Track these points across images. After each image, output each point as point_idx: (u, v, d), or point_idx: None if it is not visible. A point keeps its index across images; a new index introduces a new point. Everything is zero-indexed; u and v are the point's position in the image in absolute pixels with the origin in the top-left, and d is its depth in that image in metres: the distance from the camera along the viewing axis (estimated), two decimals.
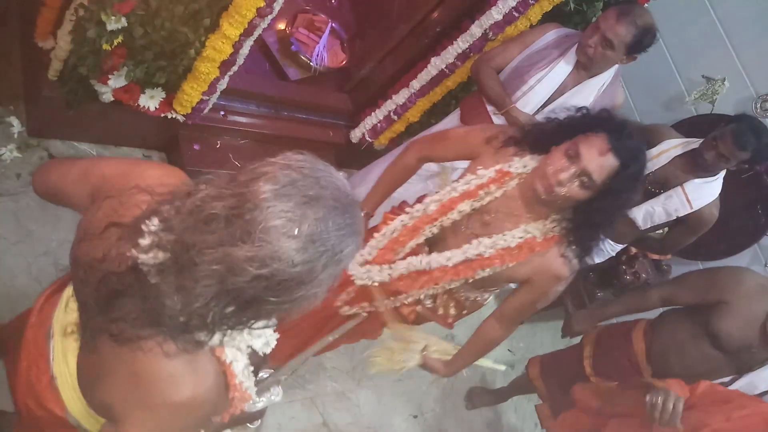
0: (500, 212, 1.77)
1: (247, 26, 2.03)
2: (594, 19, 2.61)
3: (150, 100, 2.23)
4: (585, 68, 2.38)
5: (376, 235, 1.96)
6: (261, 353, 1.17)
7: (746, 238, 3.30)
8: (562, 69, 2.40)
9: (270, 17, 2.04)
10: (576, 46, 2.36)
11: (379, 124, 3.01)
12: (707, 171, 2.70)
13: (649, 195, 2.84)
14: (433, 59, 2.74)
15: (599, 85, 2.42)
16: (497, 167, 1.75)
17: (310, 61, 3.01)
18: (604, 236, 1.74)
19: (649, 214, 2.84)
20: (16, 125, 2.27)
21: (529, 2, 2.45)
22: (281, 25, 3.04)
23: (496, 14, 2.51)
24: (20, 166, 2.31)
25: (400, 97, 2.89)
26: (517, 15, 2.50)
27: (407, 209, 1.92)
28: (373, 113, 3.00)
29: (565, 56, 2.39)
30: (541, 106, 2.44)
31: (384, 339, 2.08)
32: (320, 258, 0.89)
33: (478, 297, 2.01)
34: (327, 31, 3.10)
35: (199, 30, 2.04)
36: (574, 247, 1.72)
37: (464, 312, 2.05)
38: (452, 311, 2.02)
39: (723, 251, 3.36)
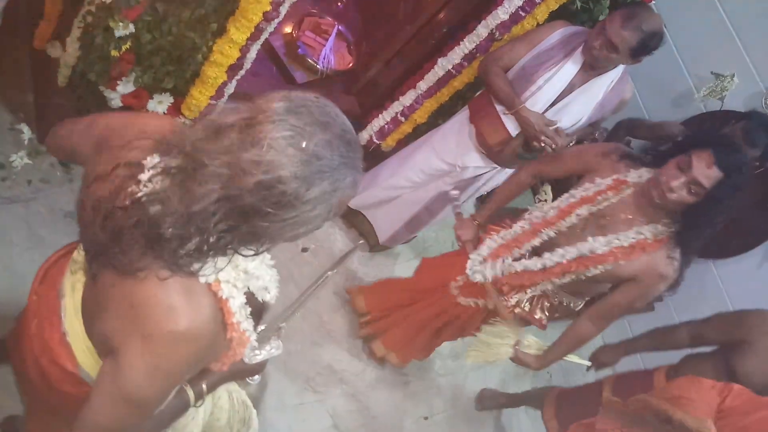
0: (615, 216, 2.00)
1: (254, 30, 2.03)
2: (601, 17, 2.60)
3: (158, 105, 2.24)
4: (592, 68, 2.37)
5: (494, 235, 2.24)
6: (260, 299, 1.18)
7: (757, 236, 3.28)
8: (570, 68, 2.39)
9: (276, 21, 2.04)
10: (583, 45, 2.35)
11: (386, 126, 3.00)
12: None
13: None
14: (439, 60, 2.74)
15: (607, 82, 2.41)
16: (614, 176, 2.01)
17: (317, 64, 3.02)
18: (707, 240, 1.94)
19: None
20: (26, 132, 2.28)
21: (535, 1, 2.44)
22: (288, 29, 3.05)
23: (502, 14, 2.50)
24: (31, 172, 2.33)
25: (407, 99, 2.89)
26: (523, 14, 2.49)
27: (526, 215, 2.20)
28: (380, 115, 3.00)
29: (573, 55, 2.38)
30: (549, 105, 2.43)
31: (479, 334, 2.33)
32: (320, 179, 0.93)
33: (571, 303, 2.24)
34: (333, 34, 3.11)
35: (207, 35, 2.05)
36: (680, 249, 1.93)
37: (556, 315, 2.28)
38: (546, 314, 2.26)
39: (734, 249, 3.34)
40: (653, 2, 2.55)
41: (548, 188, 2.41)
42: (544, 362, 2.24)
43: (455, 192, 2.50)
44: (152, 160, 0.98)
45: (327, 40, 3.08)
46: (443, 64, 2.73)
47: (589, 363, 2.50)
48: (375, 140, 3.07)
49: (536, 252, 2.14)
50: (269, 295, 1.22)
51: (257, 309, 1.19)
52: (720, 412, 2.05)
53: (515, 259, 2.16)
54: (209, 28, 2.03)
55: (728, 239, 3.14)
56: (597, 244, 1.97)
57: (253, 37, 2.07)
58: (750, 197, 3.10)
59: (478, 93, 2.70)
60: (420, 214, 2.92)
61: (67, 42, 1.98)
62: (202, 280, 1.00)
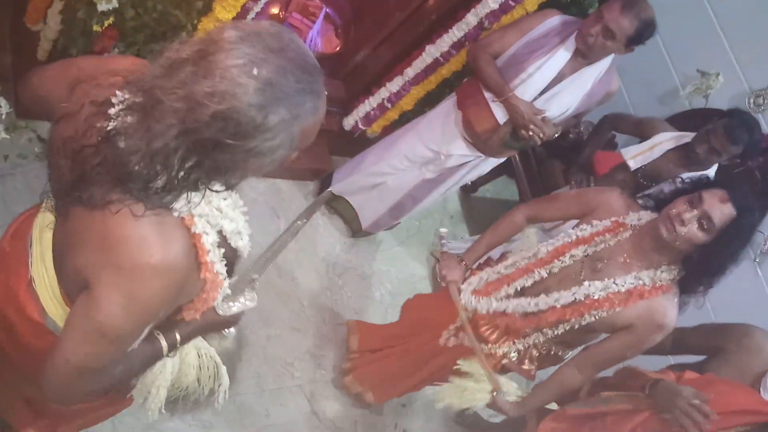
0: (612, 259, 1.90)
1: (240, 10, 2.00)
2: (591, 10, 2.60)
3: None
4: (583, 56, 2.36)
5: (487, 269, 2.15)
6: (233, 244, 1.18)
7: None
8: (561, 57, 2.38)
9: (263, 1, 2.02)
10: (575, 33, 2.35)
11: (372, 112, 2.99)
12: (699, 165, 2.71)
13: (641, 188, 2.84)
14: (427, 47, 2.72)
15: (596, 73, 2.40)
16: (613, 218, 1.94)
17: None
18: (712, 286, 1.84)
19: None
20: (4, 106, 2.22)
21: None
22: (275, 10, 3.01)
23: (492, 3, 2.50)
24: (8, 148, 2.28)
25: (394, 85, 2.87)
26: (513, 4, 2.49)
27: (517, 253, 2.12)
28: (366, 101, 2.99)
29: (565, 44, 2.37)
30: (539, 94, 2.42)
31: (454, 378, 2.16)
32: (277, 105, 0.93)
33: (560, 352, 2.12)
34: (321, 17, 3.07)
35: (192, 13, 2.02)
36: (680, 296, 1.84)
37: (545, 364, 2.17)
38: (535, 363, 2.14)
39: None
40: None
41: (533, 232, 2.26)
42: (522, 410, 2.09)
43: (444, 230, 2.35)
44: (120, 96, 0.97)
45: (314, 22, 3.04)
46: (431, 52, 2.72)
47: None
48: (361, 126, 3.05)
49: (525, 294, 2.05)
50: (242, 241, 1.22)
51: (230, 257, 1.19)
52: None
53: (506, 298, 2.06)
54: (194, 6, 2.00)
55: None
56: (593, 288, 1.87)
57: (239, 17, 2.04)
58: None
59: (465, 80, 2.69)
60: (403, 201, 2.92)
61: (48, 15, 1.94)
62: (176, 214, 1.00)
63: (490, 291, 2.09)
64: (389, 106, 2.94)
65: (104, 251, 0.98)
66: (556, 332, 1.97)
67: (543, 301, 1.95)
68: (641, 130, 3.01)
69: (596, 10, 2.34)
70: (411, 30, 2.80)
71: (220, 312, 1.27)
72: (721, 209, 1.72)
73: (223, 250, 1.13)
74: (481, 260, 2.31)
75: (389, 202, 2.94)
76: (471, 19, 2.58)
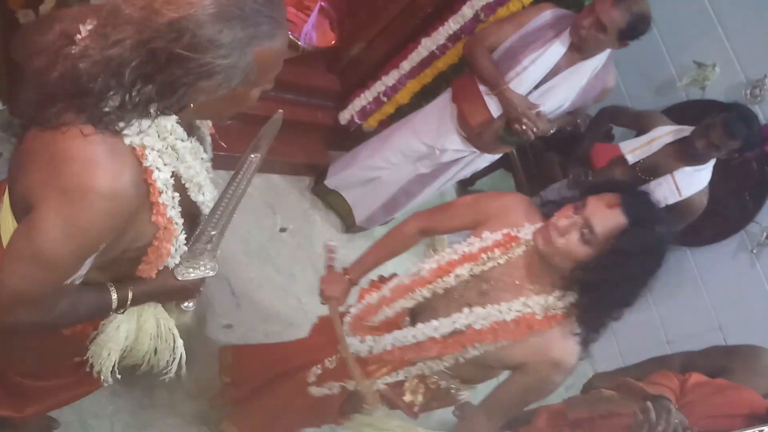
0: (501, 281, 1.58)
1: None
2: (587, 3, 2.58)
3: None
4: (579, 50, 2.36)
5: (366, 296, 1.84)
6: (191, 195, 1.17)
7: (734, 225, 3.31)
8: (557, 50, 2.37)
9: None
10: (571, 26, 2.34)
11: (368, 106, 2.97)
12: (698, 159, 2.70)
13: (639, 182, 2.84)
14: (423, 40, 2.71)
15: (592, 67, 2.40)
16: (505, 231, 1.60)
17: (298, 41, 2.96)
18: (617, 317, 1.51)
19: None
20: None
21: None
22: None
23: None
24: (2, 145, 2.26)
25: (390, 79, 2.86)
26: None
27: (399, 273, 1.80)
28: (362, 94, 2.97)
29: (560, 37, 2.37)
30: (534, 87, 2.42)
31: (351, 424, 1.92)
32: (232, 22, 0.93)
33: (453, 388, 1.78)
34: (316, 10, 3.04)
35: None
36: (580, 329, 1.51)
37: (434, 404, 1.86)
38: (420, 399, 1.81)
39: (710, 237, 3.38)
40: None
41: (444, 240, 2.02)
42: None
43: (333, 243, 2.05)
44: (91, 21, 0.97)
45: (309, 16, 3.01)
46: (427, 44, 2.70)
47: None
48: (357, 120, 3.04)
49: (413, 319, 1.73)
50: (202, 196, 1.20)
51: (189, 211, 1.17)
52: (682, 389, 2.06)
53: (386, 329, 1.74)
54: None
55: (704, 228, 3.17)
56: (473, 316, 1.55)
57: None
58: (727, 186, 3.13)
59: (462, 74, 2.68)
60: (397, 196, 2.91)
61: (40, 11, 1.92)
62: (127, 141, 0.99)
63: (366, 319, 1.79)
64: (385, 99, 2.93)
65: (50, 171, 0.96)
66: (440, 366, 1.68)
67: (421, 332, 1.63)
68: (639, 124, 3.00)
69: (590, 4, 2.33)
70: (407, 23, 2.78)
71: (179, 277, 1.25)
72: (604, 216, 1.38)
73: (178, 196, 1.11)
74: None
75: (383, 197, 2.93)
76: (467, 11, 2.56)
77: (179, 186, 1.13)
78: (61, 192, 0.95)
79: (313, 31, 2.97)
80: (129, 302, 1.22)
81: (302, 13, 2.99)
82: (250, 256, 2.82)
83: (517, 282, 1.56)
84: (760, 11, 3.11)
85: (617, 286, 1.43)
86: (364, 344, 1.75)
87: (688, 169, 2.73)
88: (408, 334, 1.65)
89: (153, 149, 1.03)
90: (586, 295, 1.47)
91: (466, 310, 1.57)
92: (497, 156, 2.80)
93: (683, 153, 2.72)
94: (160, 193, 1.06)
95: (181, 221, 1.15)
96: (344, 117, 3.06)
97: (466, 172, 2.85)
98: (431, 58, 2.74)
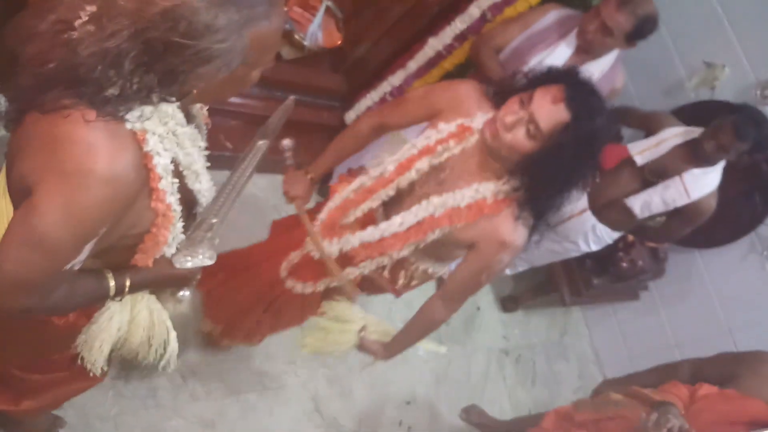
0: (455, 169, 1.66)
1: None
2: (595, 2, 2.56)
3: None
4: (585, 52, 2.34)
5: (333, 196, 1.89)
6: (189, 184, 1.16)
7: (743, 227, 3.29)
8: (563, 51, 2.36)
9: None
10: (577, 29, 2.32)
11: (374, 106, 2.95)
12: (707, 162, 2.68)
13: (648, 184, 2.82)
14: (430, 40, 2.69)
15: (600, 69, 2.38)
16: (459, 121, 1.65)
17: (304, 41, 2.95)
18: (559, 204, 1.59)
19: (646, 203, 2.82)
20: (2, 102, 2.20)
21: None
22: None
23: None
24: (5, 144, 2.26)
25: (396, 79, 2.84)
26: None
27: (365, 171, 1.84)
28: (368, 95, 2.95)
29: (566, 38, 2.35)
30: None
31: (318, 319, 1.93)
32: (227, 7, 0.93)
33: (429, 268, 1.89)
34: (322, 10, 3.03)
35: None
36: (525, 212, 1.59)
37: (413, 283, 1.94)
38: (401, 280, 1.92)
39: (720, 239, 3.35)
40: None
41: (400, 136, 1.94)
42: (392, 350, 1.90)
43: (288, 141, 1.99)
44: (89, 8, 0.96)
45: (315, 16, 3.00)
46: (434, 44, 2.68)
47: (444, 349, 2.24)
48: None
49: (386, 213, 1.81)
50: (199, 184, 1.20)
51: (186, 198, 1.17)
52: (691, 398, 2.05)
53: (359, 227, 1.82)
54: None
55: (714, 230, 3.14)
56: (431, 207, 1.65)
57: None
58: (737, 188, 3.10)
59: (469, 75, 2.66)
60: None
61: None
62: (128, 125, 0.98)
63: (335, 221, 1.85)
64: (391, 99, 2.91)
65: (50, 155, 0.95)
66: (404, 252, 1.75)
67: (386, 229, 1.73)
68: (648, 125, 2.98)
69: (595, 7, 2.31)
70: (413, 22, 2.76)
71: (177, 265, 1.24)
72: (550, 111, 1.44)
73: (177, 182, 1.11)
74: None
75: None
76: (474, 10, 2.54)
77: (177, 173, 1.12)
78: (61, 175, 0.94)
79: (319, 31, 2.96)
80: (126, 289, 1.21)
81: (308, 13, 2.98)
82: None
83: (471, 169, 1.64)
84: None
85: (557, 174, 1.51)
86: (333, 246, 1.83)
87: (697, 171, 2.70)
88: (374, 233, 1.75)
89: (154, 134, 1.03)
90: (529, 182, 1.55)
91: (425, 201, 1.67)
92: None
93: (692, 155, 2.70)
94: (160, 178, 1.06)
95: (179, 208, 1.14)
96: (350, 117, 3.04)
97: None
98: (438, 58, 2.72)
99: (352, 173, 1.94)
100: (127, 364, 1.40)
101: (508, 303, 3.83)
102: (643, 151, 2.85)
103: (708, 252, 3.47)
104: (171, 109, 1.08)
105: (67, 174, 0.94)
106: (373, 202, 1.78)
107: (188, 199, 1.19)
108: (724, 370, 2.23)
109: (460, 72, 2.79)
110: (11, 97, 1.04)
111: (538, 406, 3.61)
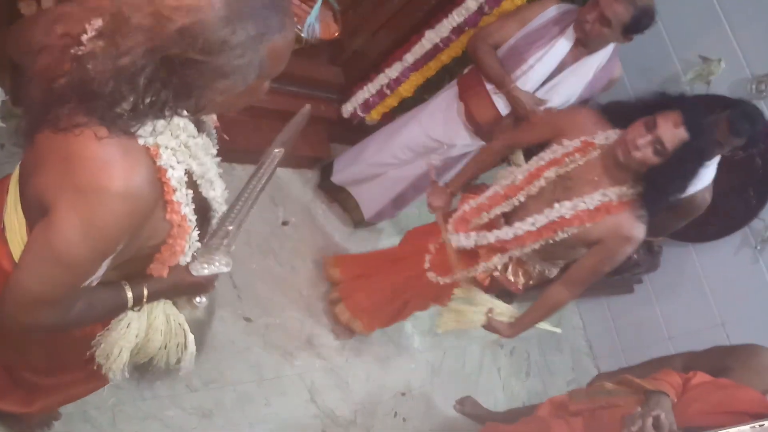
0: (582, 178, 1.99)
1: None
2: None
3: None
4: (584, 45, 2.35)
5: (470, 201, 2.25)
6: (203, 193, 1.17)
7: (737, 221, 3.30)
8: (562, 46, 2.36)
9: None
10: (575, 20, 2.33)
11: (371, 99, 2.96)
12: None
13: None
14: (427, 33, 2.69)
15: (597, 62, 2.39)
16: (583, 138, 2.01)
17: (301, 33, 2.95)
18: (671, 202, 1.96)
19: None
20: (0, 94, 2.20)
21: None
22: None
23: None
24: (4, 136, 2.26)
25: (394, 71, 2.84)
26: None
27: (496, 180, 2.20)
28: (365, 87, 2.95)
29: (565, 33, 2.35)
30: (541, 84, 2.41)
31: (451, 302, 2.30)
32: (244, 21, 0.92)
33: (545, 269, 2.24)
34: (319, 2, 3.02)
35: None
36: (644, 210, 1.94)
37: (531, 282, 2.28)
38: (521, 279, 2.26)
39: (714, 233, 3.37)
40: None
41: (520, 154, 2.33)
42: (516, 329, 2.22)
43: (434, 161, 2.49)
44: (96, 23, 0.95)
45: (312, 8, 2.99)
46: (431, 37, 2.68)
47: (559, 330, 2.47)
48: (359, 113, 3.02)
49: (507, 218, 2.16)
50: (213, 191, 1.20)
51: (201, 207, 1.17)
52: (684, 387, 2.07)
53: (486, 228, 2.17)
54: None
55: (708, 224, 3.16)
56: (563, 209, 1.98)
57: None
58: (731, 182, 3.11)
59: (467, 69, 2.66)
60: (406, 192, 2.89)
61: (42, 3, 1.91)
62: (141, 141, 0.98)
63: (469, 220, 2.21)
64: (388, 92, 2.91)
65: (65, 173, 0.95)
66: (534, 247, 2.07)
67: (520, 228, 2.06)
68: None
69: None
70: (410, 15, 2.76)
71: (193, 272, 1.24)
72: (673, 133, 1.80)
73: (191, 193, 1.11)
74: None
75: (392, 192, 2.92)
76: (471, 3, 2.54)
77: (191, 182, 1.12)
78: (78, 193, 0.94)
79: (317, 24, 2.96)
80: (144, 300, 1.22)
81: (305, 5, 2.98)
82: (251, 247, 2.82)
83: (596, 178, 1.98)
84: (766, 6, 3.09)
85: (677, 178, 1.90)
86: (469, 239, 2.20)
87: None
88: (509, 232, 2.09)
89: (167, 148, 1.03)
90: (653, 186, 1.91)
91: (556, 205, 2.00)
92: None
93: None
94: (175, 191, 1.06)
95: (194, 218, 1.15)
96: (347, 110, 3.04)
97: None
98: (435, 50, 2.72)
99: (472, 189, 2.34)
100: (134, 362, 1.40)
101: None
102: None
103: (702, 246, 3.48)
104: (182, 122, 1.08)
105: (83, 191, 0.94)
106: (505, 207, 2.14)
107: (202, 206, 1.19)
108: (716, 363, 2.26)
109: (457, 65, 2.79)
110: (24, 111, 1.03)
111: (532, 398, 3.64)
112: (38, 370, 1.52)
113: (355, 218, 3.18)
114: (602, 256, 2.00)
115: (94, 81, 0.91)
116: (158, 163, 1.02)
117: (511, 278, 2.25)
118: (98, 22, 0.94)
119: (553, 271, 2.28)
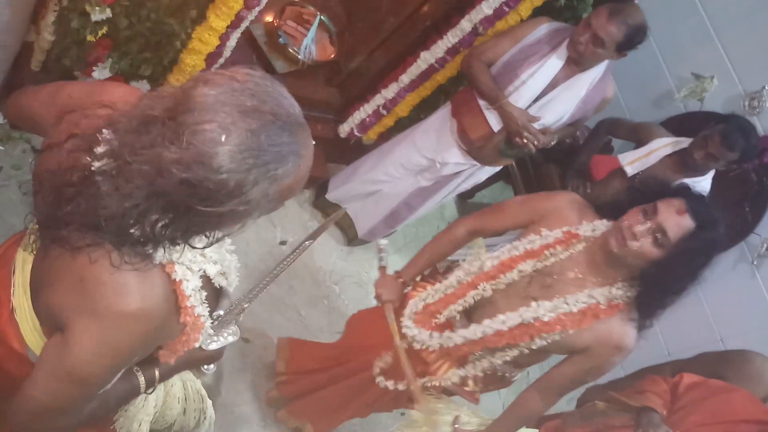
0: (564, 275, 1.70)
1: (234, 18, 1.99)
2: (585, 15, 2.60)
3: None
4: (576, 63, 2.37)
5: (428, 288, 1.94)
6: (217, 285, 1.16)
7: (733, 236, 3.31)
8: (554, 64, 2.39)
9: (257, 9, 2.01)
10: (567, 41, 2.36)
11: (368, 119, 2.98)
12: (696, 171, 2.71)
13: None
14: (422, 53, 2.72)
15: (590, 79, 2.41)
16: (565, 228, 1.71)
17: (298, 54, 2.98)
18: (672, 304, 1.66)
19: None
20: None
21: None
22: (269, 18, 3.00)
23: (486, 8, 2.50)
24: (2, 159, 2.27)
25: (390, 92, 2.87)
26: (507, 9, 2.48)
27: (459, 267, 1.89)
28: (361, 107, 2.98)
29: (557, 51, 2.38)
30: (533, 101, 2.43)
31: (411, 412, 1.98)
32: (249, 171, 0.87)
33: (507, 374, 1.94)
34: (315, 24, 3.06)
35: (186, 21, 2.01)
36: (638, 316, 1.65)
37: (491, 387, 2.01)
38: (479, 385, 1.96)
39: None
40: (637, 1, 2.56)
41: (482, 243, 2.02)
42: None
43: (384, 242, 2.14)
44: (107, 134, 0.93)
45: (309, 30, 3.03)
46: (426, 58, 2.71)
47: None
48: (356, 133, 3.05)
49: (468, 315, 1.85)
50: (226, 281, 1.20)
51: (214, 294, 1.17)
52: (673, 393, 2.05)
53: (446, 326, 1.87)
54: (188, 15, 1.99)
55: None
56: (542, 309, 1.67)
57: (233, 25, 2.04)
58: (726, 197, 3.13)
59: (461, 88, 2.69)
60: (399, 209, 2.91)
61: (41, 25, 1.93)
62: (156, 261, 0.98)
63: (432, 314, 1.89)
64: (385, 112, 2.94)
65: (80, 295, 0.95)
66: (505, 357, 1.79)
67: (489, 326, 1.75)
68: (637, 136, 3.01)
69: (585, 18, 2.34)
70: (405, 36, 2.79)
71: (204, 347, 1.24)
72: (677, 222, 1.53)
73: (205, 293, 1.10)
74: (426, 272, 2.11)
75: (385, 210, 2.94)
76: (465, 24, 2.57)
77: (206, 280, 1.12)
78: (94, 316, 0.95)
79: (313, 45, 3.00)
80: (156, 382, 1.22)
81: (302, 27, 3.02)
82: (249, 268, 2.82)
83: (580, 275, 1.68)
84: (757, 22, 3.13)
85: (680, 278, 1.60)
86: (433, 339, 1.86)
87: (686, 180, 2.73)
88: (477, 330, 1.76)
89: (181, 264, 1.02)
90: (652, 286, 1.61)
91: (533, 303, 1.69)
92: (497, 168, 2.81)
93: (682, 164, 2.74)
94: (188, 297, 1.05)
95: (207, 312, 1.13)
96: (344, 130, 3.07)
97: (467, 185, 2.86)
98: (430, 71, 2.76)
99: (443, 274, 2.01)
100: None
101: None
102: (633, 161, 2.88)
103: None
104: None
105: (98, 316, 0.94)
106: (469, 299, 1.81)
107: (215, 295, 1.18)
108: (708, 370, 2.23)
109: (452, 85, 2.82)
110: (39, 220, 1.03)
111: None
112: None
113: (350, 236, 3.19)
114: (587, 366, 1.70)
115: (100, 215, 0.91)
116: (173, 277, 1.01)
117: (469, 388, 1.95)
118: (109, 134, 0.93)
119: (515, 374, 1.98)
